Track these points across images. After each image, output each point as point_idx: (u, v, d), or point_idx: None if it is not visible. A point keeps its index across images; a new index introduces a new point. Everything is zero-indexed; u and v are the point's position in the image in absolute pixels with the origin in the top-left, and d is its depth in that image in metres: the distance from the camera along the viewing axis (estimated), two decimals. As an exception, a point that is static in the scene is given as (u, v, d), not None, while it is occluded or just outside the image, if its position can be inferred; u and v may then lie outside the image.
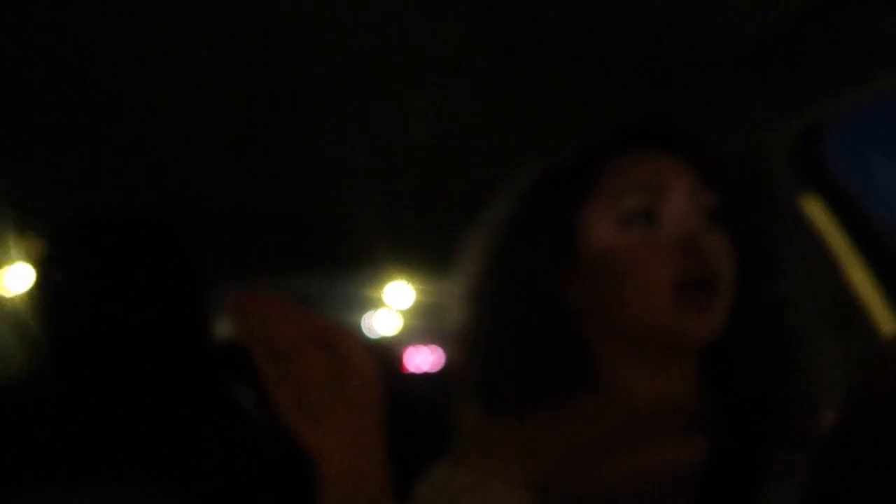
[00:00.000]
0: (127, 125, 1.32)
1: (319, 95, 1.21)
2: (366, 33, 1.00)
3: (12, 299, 1.35)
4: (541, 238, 0.75)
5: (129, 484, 0.81)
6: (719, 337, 0.71)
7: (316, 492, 0.59)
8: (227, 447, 0.90)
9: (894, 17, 0.87)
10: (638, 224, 0.70)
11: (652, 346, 0.72)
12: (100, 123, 1.30)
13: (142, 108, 1.24)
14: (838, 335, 0.72)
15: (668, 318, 0.67)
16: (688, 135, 0.76)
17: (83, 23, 0.95)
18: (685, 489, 0.66)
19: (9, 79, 1.09)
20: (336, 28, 0.99)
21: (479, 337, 0.76)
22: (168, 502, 0.81)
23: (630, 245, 0.70)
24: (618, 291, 0.71)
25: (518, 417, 0.74)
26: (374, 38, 1.01)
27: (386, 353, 3.24)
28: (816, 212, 1.14)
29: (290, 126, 1.35)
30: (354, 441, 0.59)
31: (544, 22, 0.99)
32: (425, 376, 3.35)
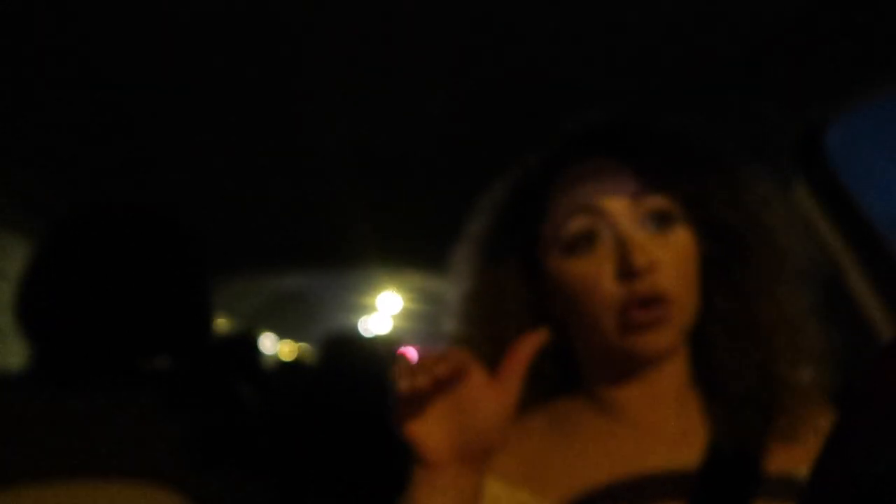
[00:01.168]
0: (129, 123, 1.32)
1: (318, 100, 1.22)
2: (365, 36, 1.00)
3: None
4: (508, 264, 0.79)
5: (128, 478, 0.82)
6: (698, 332, 0.72)
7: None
8: (226, 441, 0.90)
9: (894, 17, 0.87)
10: (581, 249, 0.71)
11: (618, 360, 0.72)
12: (103, 121, 1.30)
13: (144, 105, 1.24)
14: (836, 333, 0.71)
15: (618, 340, 0.68)
16: (635, 137, 0.76)
17: (90, 22, 0.95)
18: (683, 488, 0.66)
19: (16, 73, 1.09)
20: (336, 31, 0.99)
21: (472, 338, 0.78)
22: (166, 496, 0.82)
23: (574, 272, 0.71)
24: (572, 314, 0.73)
25: (514, 419, 0.75)
26: (373, 41, 1.01)
27: (387, 351, 3.28)
28: (817, 211, 1.14)
29: (289, 129, 1.35)
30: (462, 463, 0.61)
31: (543, 24, 0.99)
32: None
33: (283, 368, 4.06)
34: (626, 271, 0.67)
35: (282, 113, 1.29)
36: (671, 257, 0.69)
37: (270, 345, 6.74)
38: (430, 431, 0.60)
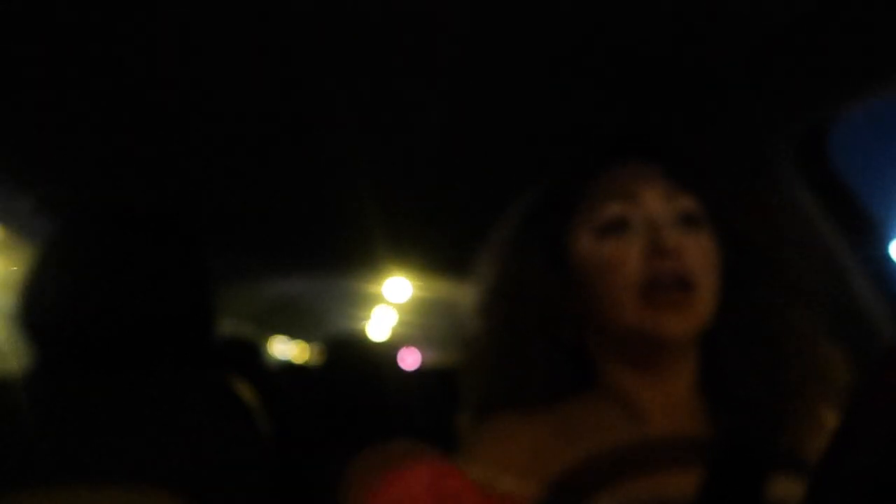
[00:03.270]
0: (132, 126, 1.32)
1: (323, 97, 1.21)
2: (369, 32, 1.00)
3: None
4: (535, 256, 0.81)
5: (129, 481, 0.82)
6: (709, 341, 0.74)
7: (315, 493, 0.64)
8: (227, 444, 0.90)
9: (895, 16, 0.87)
10: (613, 232, 0.74)
11: (635, 348, 0.74)
12: (105, 124, 1.30)
13: (147, 108, 1.25)
14: (838, 335, 0.72)
15: (640, 318, 0.70)
16: (662, 144, 0.81)
17: (90, 21, 0.95)
18: (691, 487, 0.67)
19: (17, 74, 1.09)
20: (339, 27, 0.99)
21: (487, 344, 0.81)
22: (167, 499, 0.82)
23: (605, 252, 0.74)
24: (597, 296, 0.75)
25: (525, 416, 0.78)
26: (378, 37, 1.01)
27: (387, 356, 3.30)
28: (819, 211, 1.14)
29: (293, 128, 1.35)
30: None
31: (547, 28, 0.99)
32: (418, 374, 3.44)
33: (286, 371, 4.07)
34: (657, 249, 0.70)
35: (288, 114, 1.29)
36: (698, 251, 0.72)
37: (284, 349, 6.75)
38: None
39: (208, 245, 1.05)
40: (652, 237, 0.71)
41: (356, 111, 1.27)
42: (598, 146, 0.85)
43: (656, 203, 0.74)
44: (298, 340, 7.12)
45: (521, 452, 0.74)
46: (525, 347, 0.78)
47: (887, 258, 1.10)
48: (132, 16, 0.94)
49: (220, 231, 2.03)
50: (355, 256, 2.49)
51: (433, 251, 2.39)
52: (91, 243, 0.94)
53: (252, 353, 2.81)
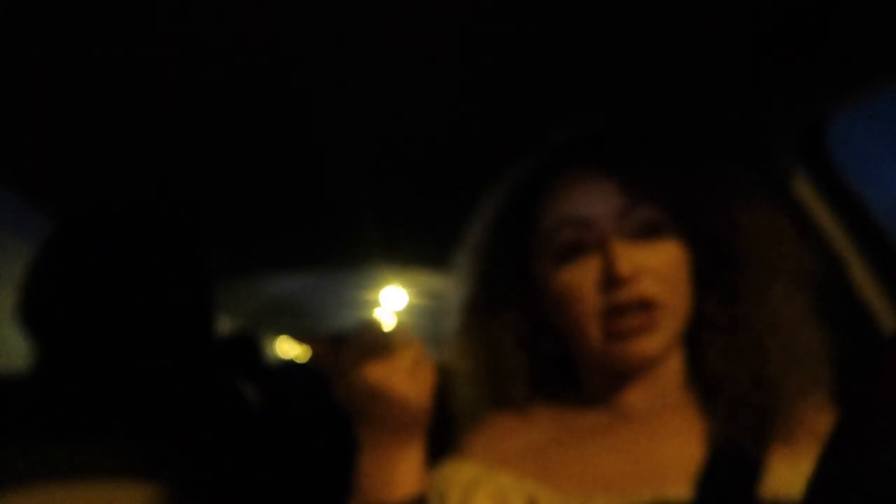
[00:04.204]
0: (130, 123, 1.32)
1: (319, 96, 1.21)
2: (366, 32, 1.00)
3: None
4: (501, 273, 0.81)
5: (130, 478, 0.82)
6: (692, 336, 0.74)
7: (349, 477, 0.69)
8: (228, 440, 0.90)
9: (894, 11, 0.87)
10: (569, 258, 0.72)
11: (609, 368, 0.74)
12: (103, 121, 1.30)
13: (144, 105, 1.24)
14: (838, 331, 0.71)
15: (606, 347, 0.70)
16: (621, 147, 0.77)
17: (90, 21, 0.95)
18: (684, 484, 0.67)
19: (16, 72, 1.09)
20: (337, 25, 0.98)
21: (470, 354, 0.81)
22: (169, 496, 0.82)
23: (563, 281, 0.72)
24: (561, 322, 0.75)
25: (519, 415, 0.79)
26: (375, 36, 1.01)
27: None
28: (819, 205, 1.14)
29: (290, 129, 1.35)
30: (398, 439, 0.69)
31: (544, 19, 0.98)
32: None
33: (287, 368, 4.07)
34: (610, 280, 0.68)
35: (284, 111, 1.29)
36: (659, 265, 0.70)
37: (287, 348, 6.75)
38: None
39: (208, 242, 1.05)
40: (605, 267, 0.69)
41: (354, 107, 1.27)
42: (550, 150, 0.82)
43: (609, 223, 0.71)
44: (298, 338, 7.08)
45: (515, 450, 0.75)
46: (505, 359, 0.79)
47: (888, 252, 1.10)
48: (129, 12, 0.94)
49: (218, 228, 2.03)
50: (354, 253, 2.49)
51: (431, 248, 2.39)
52: (91, 240, 0.94)
53: (252, 349, 2.81)
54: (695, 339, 0.75)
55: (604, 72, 1.14)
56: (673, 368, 0.74)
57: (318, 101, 1.24)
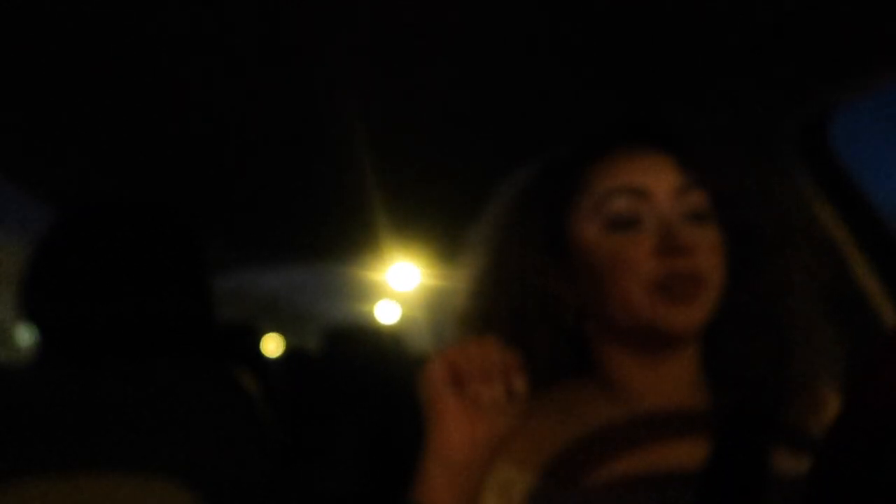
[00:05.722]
0: (128, 120, 1.32)
1: (321, 84, 1.21)
2: (368, 23, 1.00)
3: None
4: (532, 237, 0.79)
5: (133, 472, 0.82)
6: (713, 328, 0.73)
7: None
8: (229, 433, 0.90)
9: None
10: (623, 227, 0.73)
11: (640, 340, 0.74)
12: (101, 119, 1.30)
13: (142, 103, 1.24)
14: (842, 325, 0.72)
15: (649, 313, 0.70)
16: (674, 132, 0.78)
17: (90, 21, 0.95)
18: (690, 480, 0.67)
19: (16, 71, 1.09)
20: (338, 19, 0.98)
21: (482, 328, 0.79)
22: (171, 489, 0.82)
23: (614, 247, 0.72)
24: (604, 289, 0.74)
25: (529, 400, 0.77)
26: (377, 27, 1.01)
27: (393, 342, 3.32)
28: (822, 202, 1.14)
29: (293, 116, 1.35)
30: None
31: (547, 17, 0.98)
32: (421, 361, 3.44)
33: (288, 359, 4.08)
34: (671, 247, 0.69)
35: (281, 106, 1.29)
36: (707, 247, 0.71)
37: (273, 347, 6.75)
38: (458, 423, 0.61)
39: (205, 237, 1.05)
40: (665, 236, 0.70)
41: (355, 98, 1.26)
42: (604, 129, 0.82)
43: (669, 200, 0.72)
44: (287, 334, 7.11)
45: (518, 439, 0.73)
46: (525, 334, 0.77)
47: (890, 246, 1.10)
48: (127, 11, 0.94)
49: (216, 222, 2.04)
50: (357, 245, 2.49)
51: (436, 238, 2.39)
52: (90, 236, 0.94)
53: (251, 340, 2.81)
54: (713, 326, 0.75)
55: (604, 71, 1.14)
56: (690, 356, 0.75)
57: (318, 90, 1.24)
